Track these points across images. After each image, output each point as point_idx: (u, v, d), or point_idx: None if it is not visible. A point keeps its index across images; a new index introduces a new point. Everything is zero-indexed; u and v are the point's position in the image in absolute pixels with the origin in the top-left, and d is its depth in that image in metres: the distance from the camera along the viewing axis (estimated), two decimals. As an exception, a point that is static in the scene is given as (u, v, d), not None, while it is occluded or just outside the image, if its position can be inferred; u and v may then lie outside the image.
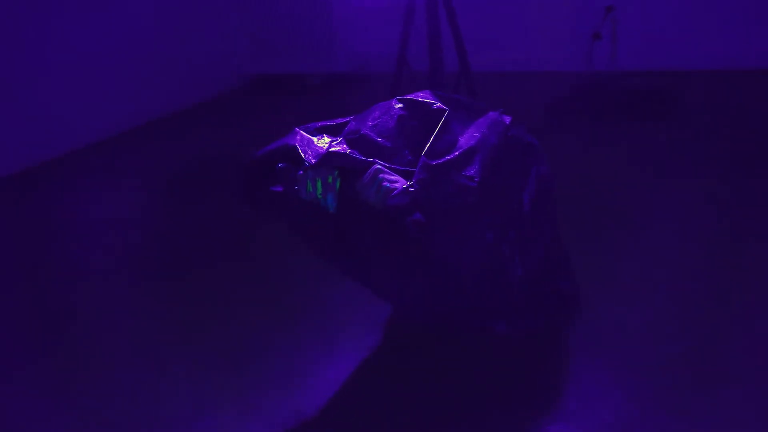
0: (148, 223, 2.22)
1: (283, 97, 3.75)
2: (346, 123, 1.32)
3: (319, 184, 1.19)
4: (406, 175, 1.21)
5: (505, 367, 1.34)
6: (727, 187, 2.04)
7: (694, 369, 1.28)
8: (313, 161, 1.19)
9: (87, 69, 3.16)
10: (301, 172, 1.20)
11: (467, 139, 1.27)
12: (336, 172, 1.21)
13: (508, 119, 1.32)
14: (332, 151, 1.21)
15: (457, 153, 1.24)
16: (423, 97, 1.34)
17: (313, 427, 1.23)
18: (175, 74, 3.62)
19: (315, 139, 1.26)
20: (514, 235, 1.29)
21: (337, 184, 1.21)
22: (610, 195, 2.06)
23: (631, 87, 3.16)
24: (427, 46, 2.38)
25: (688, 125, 2.63)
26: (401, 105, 1.32)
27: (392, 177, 1.18)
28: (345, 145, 1.24)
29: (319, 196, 1.20)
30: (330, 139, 1.26)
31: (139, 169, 2.82)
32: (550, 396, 1.25)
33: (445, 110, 1.30)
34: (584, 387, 1.26)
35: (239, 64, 4.09)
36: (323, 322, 1.55)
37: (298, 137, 1.26)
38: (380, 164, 1.21)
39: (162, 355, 1.49)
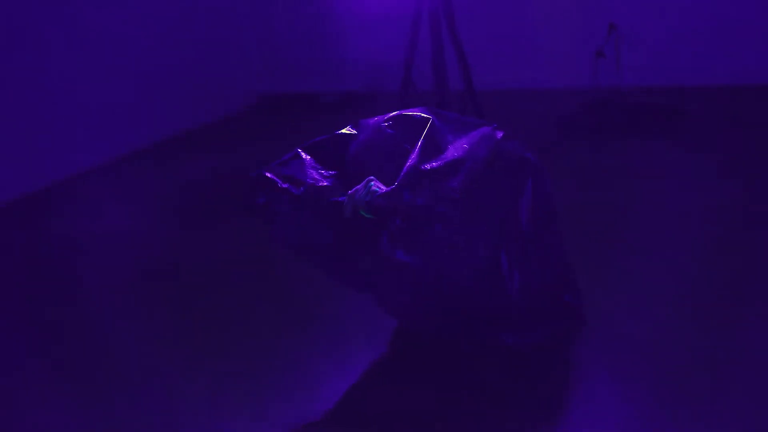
0: (163, 240, 2.27)
1: (295, 115, 3.80)
2: (343, 135, 1.37)
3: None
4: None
5: (510, 377, 1.35)
6: (733, 202, 2.04)
7: (698, 382, 1.28)
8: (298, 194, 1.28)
9: (98, 88, 3.19)
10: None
11: (454, 150, 1.27)
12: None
13: (500, 134, 1.32)
14: (318, 186, 1.29)
15: (442, 163, 1.24)
16: (413, 112, 1.37)
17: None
18: (189, 93, 3.66)
19: (309, 170, 1.32)
20: (514, 248, 1.31)
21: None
22: (616, 209, 2.08)
23: (637, 103, 3.17)
24: (431, 66, 2.43)
25: (694, 140, 2.64)
26: (389, 123, 1.36)
27: (381, 185, 1.23)
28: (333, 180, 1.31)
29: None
30: (324, 173, 1.33)
31: (152, 188, 2.86)
32: (554, 407, 1.27)
33: (429, 118, 1.32)
34: (588, 398, 1.27)
35: (252, 82, 4.15)
36: (333, 332, 1.59)
37: (296, 162, 1.33)
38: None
39: (178, 364, 1.53)
